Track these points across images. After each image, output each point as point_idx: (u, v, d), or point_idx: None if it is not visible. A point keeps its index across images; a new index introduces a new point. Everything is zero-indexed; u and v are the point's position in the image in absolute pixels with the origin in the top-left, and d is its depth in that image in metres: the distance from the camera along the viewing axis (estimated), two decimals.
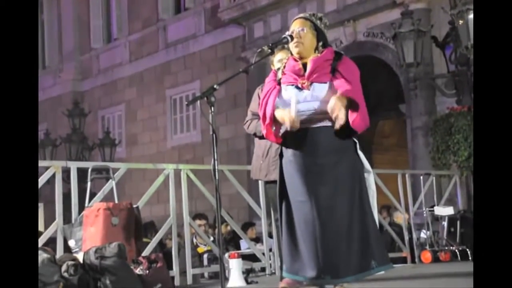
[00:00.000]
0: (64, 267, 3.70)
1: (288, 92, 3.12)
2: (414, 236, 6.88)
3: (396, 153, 12.89)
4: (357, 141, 3.10)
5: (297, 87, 3.09)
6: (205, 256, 6.47)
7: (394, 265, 5.72)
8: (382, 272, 3.34)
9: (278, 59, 4.03)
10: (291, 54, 3.22)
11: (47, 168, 4.67)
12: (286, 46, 3.90)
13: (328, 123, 3.02)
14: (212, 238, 6.39)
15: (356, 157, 3.09)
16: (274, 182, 4.05)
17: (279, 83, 3.18)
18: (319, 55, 3.13)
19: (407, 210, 7.03)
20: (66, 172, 4.90)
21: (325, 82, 3.05)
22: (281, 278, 4.20)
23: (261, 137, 3.72)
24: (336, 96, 2.96)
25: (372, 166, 3.24)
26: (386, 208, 8.37)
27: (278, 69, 3.29)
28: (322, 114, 3.03)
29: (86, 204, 4.66)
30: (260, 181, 5.32)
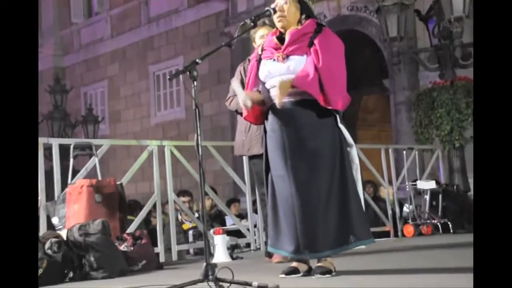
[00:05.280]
0: (47, 244, 3.68)
1: (265, 66, 3.11)
2: (397, 210, 6.96)
3: (380, 128, 12.98)
4: (337, 115, 3.08)
5: (274, 61, 3.07)
6: (190, 232, 6.48)
7: (378, 239, 5.84)
8: (364, 246, 3.38)
9: (260, 35, 4.01)
10: (276, 28, 3.20)
11: None
12: (267, 22, 3.88)
13: (307, 97, 3.00)
14: (197, 215, 6.40)
15: (337, 131, 3.06)
16: (257, 157, 4.07)
17: (260, 60, 3.16)
18: (298, 27, 3.10)
19: (390, 184, 7.09)
20: (48, 149, 4.84)
21: (302, 55, 3.03)
22: (266, 253, 4.24)
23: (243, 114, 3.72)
24: (282, 81, 2.97)
25: (356, 142, 3.24)
26: (372, 183, 8.43)
27: (259, 45, 3.28)
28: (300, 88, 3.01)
29: (69, 181, 4.63)
30: (244, 157, 5.33)
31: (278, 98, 2.97)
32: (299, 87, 2.98)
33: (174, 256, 5.10)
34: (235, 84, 3.09)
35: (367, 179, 7.93)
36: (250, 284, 2.65)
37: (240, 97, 3.05)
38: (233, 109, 4.25)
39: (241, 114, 4.03)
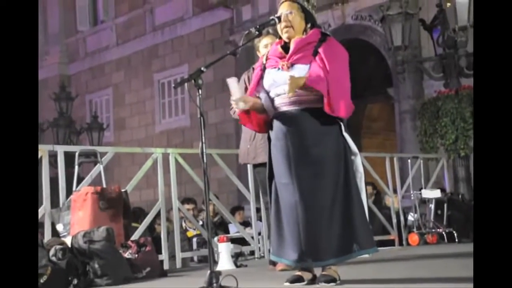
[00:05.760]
0: (52, 251, 3.68)
1: (270, 75, 3.12)
2: (402, 218, 6.94)
3: (385, 137, 12.96)
4: (342, 123, 3.08)
5: (279, 70, 3.08)
6: (195, 240, 6.48)
7: (383, 248, 5.81)
8: (368, 255, 3.37)
9: (264, 44, 4.03)
10: (279, 38, 3.21)
11: None
12: (271, 31, 3.89)
13: (311, 105, 3.01)
14: (201, 222, 6.40)
15: (341, 139, 3.07)
16: (262, 165, 4.07)
17: (264, 68, 3.18)
18: (303, 36, 3.12)
19: (395, 193, 7.08)
20: (53, 156, 4.86)
21: (306, 64, 3.03)
22: (270, 261, 4.24)
23: None
24: (293, 76, 2.96)
25: (360, 150, 3.24)
26: (376, 190, 8.40)
27: (264, 55, 3.30)
28: (304, 96, 3.02)
29: (74, 188, 4.64)
30: (249, 165, 5.33)
31: (289, 90, 2.97)
32: (314, 86, 2.96)
33: (178, 264, 5.10)
34: (232, 83, 3.08)
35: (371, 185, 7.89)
36: None
37: (234, 96, 3.05)
38: (237, 117, 4.27)
39: None
